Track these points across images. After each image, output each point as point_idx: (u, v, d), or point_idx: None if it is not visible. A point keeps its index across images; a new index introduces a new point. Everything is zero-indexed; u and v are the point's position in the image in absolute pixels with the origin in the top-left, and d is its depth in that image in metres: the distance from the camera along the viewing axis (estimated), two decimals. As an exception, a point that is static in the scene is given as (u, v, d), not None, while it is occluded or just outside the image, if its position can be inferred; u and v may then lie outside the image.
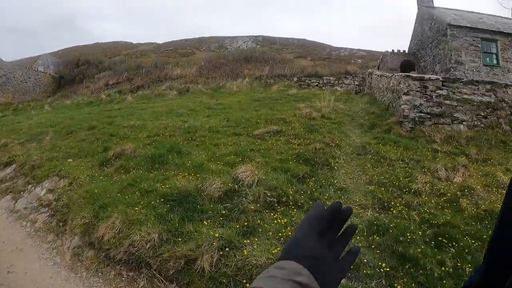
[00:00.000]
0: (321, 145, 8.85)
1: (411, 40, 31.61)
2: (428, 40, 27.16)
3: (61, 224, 7.37)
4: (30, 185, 9.52)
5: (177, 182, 6.49)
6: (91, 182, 8.08)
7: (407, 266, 4.29)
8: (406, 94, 11.50)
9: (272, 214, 5.53)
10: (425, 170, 7.87)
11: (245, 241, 4.70)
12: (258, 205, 5.65)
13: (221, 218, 5.31)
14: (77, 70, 40.84)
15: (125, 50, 56.34)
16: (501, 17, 28.54)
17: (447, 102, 11.76)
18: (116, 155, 9.19)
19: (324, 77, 24.24)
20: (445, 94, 11.88)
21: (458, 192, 7.01)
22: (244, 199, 5.75)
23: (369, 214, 5.41)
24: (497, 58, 23.61)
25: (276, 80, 24.18)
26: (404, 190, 6.79)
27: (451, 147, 9.89)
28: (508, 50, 23.55)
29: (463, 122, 11.55)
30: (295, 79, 24.45)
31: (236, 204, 5.63)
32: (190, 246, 4.60)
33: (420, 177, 7.25)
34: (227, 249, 4.48)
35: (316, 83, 23.94)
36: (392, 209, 5.91)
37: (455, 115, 11.61)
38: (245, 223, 5.12)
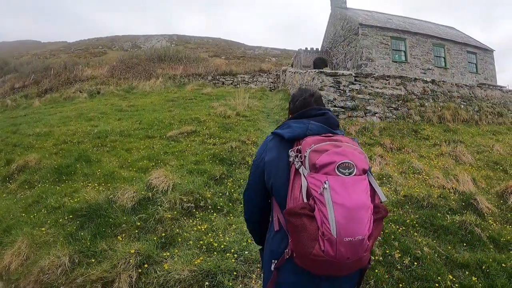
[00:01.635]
0: (237, 144, 8.83)
1: (324, 38, 32.86)
2: (340, 39, 28.39)
3: (-41, 255, 6.66)
4: None
5: (86, 195, 6.07)
6: (-7, 202, 7.40)
7: None
8: (320, 89, 11.83)
9: (191, 220, 5.36)
10: None
11: (164, 253, 4.49)
12: (175, 212, 5.44)
13: (137, 231, 5.02)
14: None
15: (34, 50, 53.03)
16: (409, 18, 30.80)
17: (360, 96, 12.33)
18: (19, 168, 8.47)
19: (238, 75, 24.35)
20: (358, 88, 12.46)
21: (377, 181, 7.33)
22: (159, 207, 5.49)
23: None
24: (405, 55, 25.39)
25: (191, 79, 23.87)
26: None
27: (366, 138, 10.35)
28: (415, 48, 25.48)
29: (376, 114, 12.19)
30: (210, 77, 24.31)
31: (151, 214, 5.36)
32: (105, 266, 4.29)
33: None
34: (146, 265, 4.23)
35: (231, 82, 23.99)
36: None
37: (368, 108, 12.21)
38: (163, 234, 4.90)
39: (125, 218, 5.32)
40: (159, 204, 5.64)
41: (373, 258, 4.43)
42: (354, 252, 1.71)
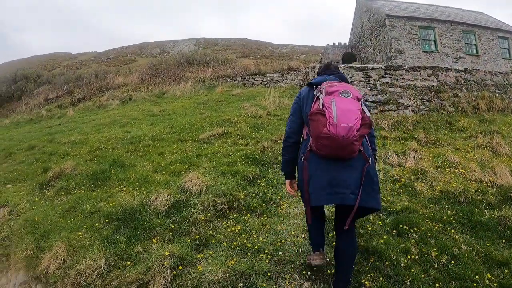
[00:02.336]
0: (269, 144, 8.72)
1: (351, 32, 32.38)
2: (367, 32, 27.91)
3: (4, 259, 6.81)
4: (-32, 220, 8.83)
5: (121, 199, 6.12)
6: (32, 209, 7.54)
7: (372, 260, 4.21)
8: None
9: (224, 222, 5.30)
10: (376, 158, 7.90)
11: (198, 255, 4.45)
12: (209, 214, 5.39)
13: (171, 233, 5.01)
14: (15, 86, 38.70)
15: (65, 62, 54.33)
16: (437, 5, 29.87)
17: (391, 89, 12.01)
18: (56, 175, 8.64)
19: (267, 75, 24.20)
20: (389, 81, 12.13)
21: (412, 176, 7.10)
22: (193, 210, 5.45)
23: (325, 209, 5.32)
24: (435, 44, 24.68)
25: (220, 81, 23.92)
26: (355, 181, 6.79)
27: (399, 132, 10.06)
28: (445, 36, 24.71)
29: (408, 107, 11.85)
30: (239, 78, 24.30)
31: (185, 216, 5.34)
32: (140, 269, 4.29)
33: (372, 166, 7.30)
34: (180, 267, 4.20)
35: (260, 81, 23.88)
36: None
37: (400, 101, 11.88)
38: (197, 236, 4.85)
39: (159, 221, 5.31)
40: (192, 206, 5.60)
41: (409, 257, 4.28)
42: (347, 132, 2.88)
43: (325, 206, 4.46)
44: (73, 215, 6.39)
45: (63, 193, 7.69)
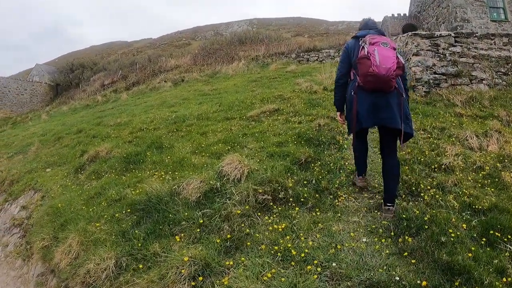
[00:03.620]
0: (325, 121, 7.47)
1: (411, 2, 29.97)
2: (429, 0, 25.51)
3: (28, 247, 6.18)
4: (7, 203, 8.43)
5: (147, 186, 5.17)
6: (62, 194, 6.88)
7: (457, 283, 2.94)
8: (416, 54, 10.01)
9: (266, 217, 4.18)
10: (453, 139, 6.47)
11: (227, 262, 3.38)
12: (247, 206, 4.27)
13: (198, 230, 3.96)
14: (72, 75, 40.28)
15: (121, 50, 55.37)
16: None
17: (463, 59, 10.22)
18: (91, 158, 8.03)
19: (323, 50, 22.54)
20: (460, 51, 10.33)
21: (497, 164, 5.60)
22: (228, 201, 4.39)
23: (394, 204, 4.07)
24: (504, 13, 22.03)
25: (274, 59, 22.65)
26: (433, 167, 5.38)
27: (475, 109, 8.42)
28: None
29: (483, 81, 10.03)
30: (293, 55, 22.91)
31: (217, 209, 4.27)
32: (153, 275, 3.31)
33: (449, 149, 5.84)
34: (201, 277, 3.17)
35: (316, 57, 22.34)
36: (422, 194, 4.51)
37: (473, 73, 10.08)
38: (228, 235, 3.77)
39: (186, 213, 4.29)
40: (228, 196, 4.53)
41: (505, 280, 2.97)
42: (386, 72, 3.66)
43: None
44: (97, 202, 5.63)
45: (94, 177, 7.02)
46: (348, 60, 4.29)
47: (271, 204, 4.42)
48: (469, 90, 9.55)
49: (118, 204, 5.13)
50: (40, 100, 38.62)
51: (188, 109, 11.70)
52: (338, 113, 4.76)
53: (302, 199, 4.52)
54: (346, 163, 5.70)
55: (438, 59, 10.06)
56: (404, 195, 4.59)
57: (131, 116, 12.79)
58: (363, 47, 3.91)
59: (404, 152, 5.81)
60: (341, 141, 6.56)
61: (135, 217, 4.60)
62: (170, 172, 6.00)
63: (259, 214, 4.22)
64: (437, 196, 4.45)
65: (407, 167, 5.30)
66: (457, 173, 5.17)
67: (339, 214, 4.28)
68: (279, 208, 4.37)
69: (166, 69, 27.22)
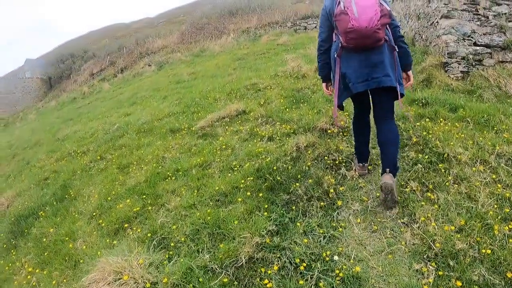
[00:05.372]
0: (310, 137, 4.34)
1: None
2: None
3: None
4: None
5: None
6: None
7: None
8: (446, 17, 6.61)
9: None
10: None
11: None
12: None
13: None
14: (63, 65, 37.73)
15: (120, 32, 52.49)
16: None
17: (512, 25, 6.84)
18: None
19: (322, 17, 19.16)
20: (507, 12, 6.86)
21: None
22: None
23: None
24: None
25: (267, 30, 19.57)
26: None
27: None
28: None
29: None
30: (289, 24, 19.68)
31: None
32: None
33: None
34: None
35: (315, 25, 18.81)
36: None
37: (529, 45, 6.67)
38: None
39: None
40: None
41: None
42: (368, 23, 3.00)
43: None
44: None
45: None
46: (328, 22, 3.50)
47: None
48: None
49: None
50: (34, 96, 36.63)
51: (143, 110, 9.13)
52: (324, 84, 3.87)
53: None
54: (339, 256, 2.77)
55: (478, 23, 6.64)
56: None
57: (84, 123, 10.76)
58: (339, 3, 3.19)
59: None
60: (332, 189, 3.53)
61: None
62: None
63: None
64: None
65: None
66: None
67: None
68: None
69: (153, 50, 24.58)
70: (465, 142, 3.82)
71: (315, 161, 3.98)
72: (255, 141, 4.83)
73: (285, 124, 5.08)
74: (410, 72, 3.52)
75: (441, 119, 4.39)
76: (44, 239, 4.15)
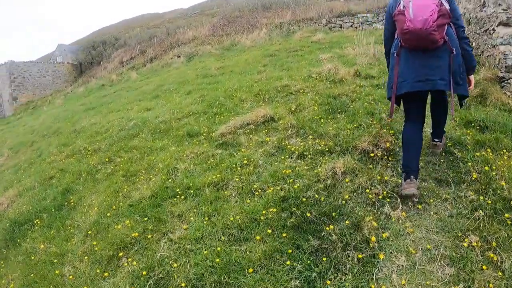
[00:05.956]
0: (349, 161, 3.56)
1: None
2: None
3: None
4: None
5: None
6: None
7: None
8: (505, 24, 5.73)
9: None
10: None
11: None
12: None
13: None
14: (94, 52, 38.07)
15: (152, 22, 52.71)
16: None
17: None
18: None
19: (359, 15, 17.77)
20: None
21: None
22: None
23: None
24: None
25: (301, 26, 18.60)
26: None
27: None
28: None
29: None
30: (324, 21, 18.67)
31: None
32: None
33: None
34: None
35: (350, 23, 17.82)
36: None
37: None
38: None
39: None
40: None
41: None
42: (423, 24, 2.90)
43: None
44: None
45: None
46: (390, 20, 3.42)
47: None
48: None
49: None
50: (64, 81, 36.97)
51: (164, 105, 8.51)
52: None
53: None
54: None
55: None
56: None
57: (104, 115, 10.25)
58: (399, 2, 3.15)
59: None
60: (373, 235, 2.78)
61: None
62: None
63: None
64: None
65: None
66: None
67: None
68: None
69: (183, 41, 23.98)
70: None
71: (354, 193, 3.26)
72: (283, 157, 4.11)
73: (319, 139, 4.32)
74: (471, 77, 3.41)
75: (504, 150, 3.53)
76: (33, 257, 3.68)
